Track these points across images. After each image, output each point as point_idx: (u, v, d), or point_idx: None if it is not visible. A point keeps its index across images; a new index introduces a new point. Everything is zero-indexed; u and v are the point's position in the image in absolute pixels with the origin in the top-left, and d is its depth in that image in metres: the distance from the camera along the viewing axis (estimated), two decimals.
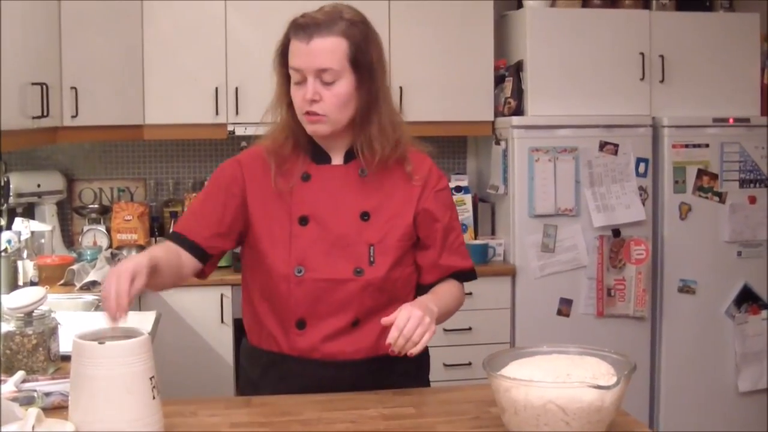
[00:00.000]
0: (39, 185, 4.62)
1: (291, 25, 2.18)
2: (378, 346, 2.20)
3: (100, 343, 1.72)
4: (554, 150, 4.57)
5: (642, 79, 4.74)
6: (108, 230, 4.66)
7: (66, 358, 2.04)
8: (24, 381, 2.11)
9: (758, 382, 4.75)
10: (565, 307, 4.60)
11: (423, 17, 4.69)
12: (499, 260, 4.70)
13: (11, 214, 4.39)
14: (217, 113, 4.55)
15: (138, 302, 3.98)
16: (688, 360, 4.70)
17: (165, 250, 2.13)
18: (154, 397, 1.75)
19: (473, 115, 4.79)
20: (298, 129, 2.23)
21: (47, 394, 2.02)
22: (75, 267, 4.03)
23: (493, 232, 4.93)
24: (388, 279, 2.22)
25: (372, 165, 2.24)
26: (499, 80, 4.82)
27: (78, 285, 3.90)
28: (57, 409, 1.97)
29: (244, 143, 2.40)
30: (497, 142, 4.74)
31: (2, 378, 2.12)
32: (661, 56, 4.75)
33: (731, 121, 4.73)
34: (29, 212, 4.60)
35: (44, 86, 3.71)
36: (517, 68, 4.72)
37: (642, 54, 4.72)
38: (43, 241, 4.35)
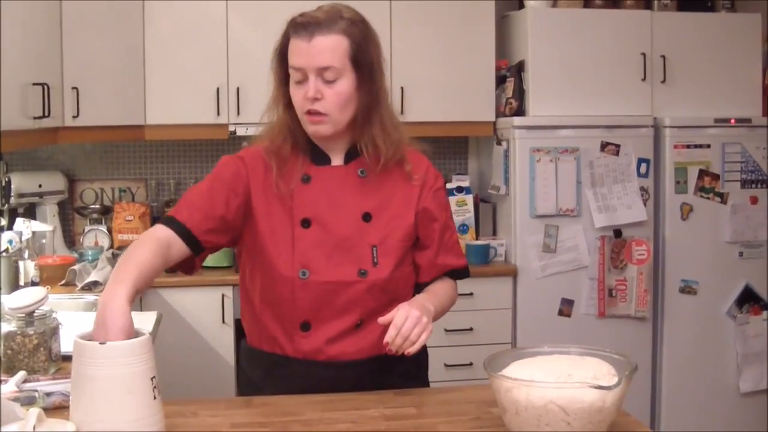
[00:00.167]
0: (40, 185, 4.63)
1: (290, 24, 2.17)
2: (380, 346, 2.20)
3: (101, 343, 1.72)
4: (555, 150, 4.57)
5: (643, 79, 4.73)
6: (109, 230, 4.67)
7: (67, 358, 2.04)
8: (25, 381, 2.11)
9: (759, 382, 4.75)
10: (566, 307, 4.60)
11: (424, 17, 4.69)
12: (500, 260, 4.70)
13: (12, 215, 4.40)
14: (218, 113, 4.56)
15: (139, 302, 3.98)
16: (689, 360, 4.70)
17: (151, 252, 2.02)
18: (155, 398, 1.75)
19: (474, 116, 4.79)
20: (297, 130, 2.22)
21: (48, 394, 2.02)
22: (76, 267, 4.03)
23: (494, 233, 4.93)
24: (391, 280, 2.22)
25: (378, 165, 2.23)
26: (500, 80, 4.82)
27: (79, 285, 3.89)
28: (58, 409, 1.97)
29: (245, 143, 2.37)
30: (498, 143, 4.74)
31: (3, 378, 2.13)
32: (663, 56, 4.74)
33: (733, 121, 4.73)
34: (30, 212, 4.61)
35: (45, 86, 3.71)
36: (519, 68, 4.72)
37: (643, 54, 4.72)
38: (44, 241, 4.35)
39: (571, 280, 4.61)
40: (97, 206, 4.83)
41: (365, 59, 2.17)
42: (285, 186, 2.21)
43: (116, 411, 1.69)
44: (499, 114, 4.79)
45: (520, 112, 4.71)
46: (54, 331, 2.39)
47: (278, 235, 2.20)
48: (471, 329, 4.52)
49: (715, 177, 4.71)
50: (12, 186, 4.40)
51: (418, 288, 2.34)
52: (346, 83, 2.15)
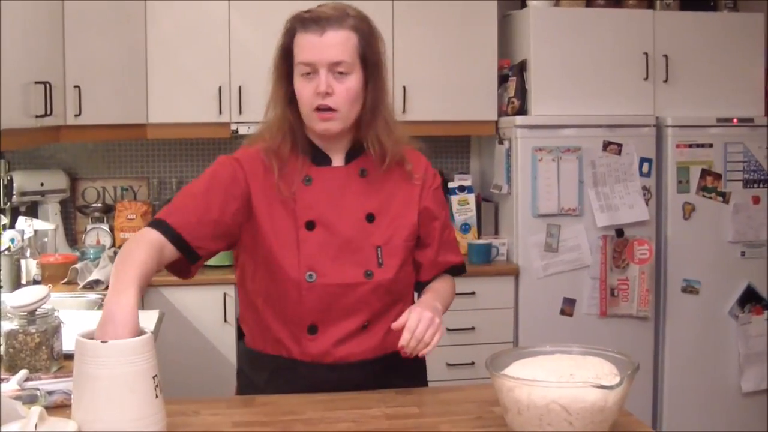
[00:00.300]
0: (42, 184, 4.63)
1: (296, 20, 2.16)
2: (384, 345, 2.21)
3: (103, 341, 1.72)
4: (558, 150, 4.56)
5: (646, 78, 4.73)
6: (111, 229, 4.67)
7: (69, 357, 2.04)
8: (27, 379, 2.10)
9: (761, 382, 4.75)
10: (568, 306, 4.60)
11: (426, 17, 4.68)
12: (502, 260, 4.69)
13: (15, 213, 4.40)
14: (220, 112, 4.56)
15: (141, 301, 3.97)
16: (691, 360, 4.70)
17: (147, 254, 1.99)
18: (156, 396, 1.75)
19: (477, 115, 4.79)
20: (298, 128, 2.21)
21: (50, 393, 2.02)
22: (78, 266, 4.03)
23: (496, 232, 4.93)
24: (395, 280, 2.22)
25: (384, 164, 2.23)
26: (502, 80, 4.82)
27: (81, 284, 3.90)
28: (60, 407, 1.97)
29: (245, 143, 2.35)
30: (501, 142, 4.74)
31: (5, 376, 2.13)
32: (665, 56, 4.74)
33: (735, 121, 4.73)
34: (32, 211, 4.61)
35: (47, 85, 3.71)
36: (521, 68, 4.72)
37: (646, 54, 4.72)
38: (46, 239, 4.35)
39: (573, 280, 4.60)
40: (99, 205, 4.83)
41: (372, 56, 2.18)
42: (286, 188, 2.19)
43: (118, 410, 1.69)
44: (502, 113, 4.79)
45: (522, 111, 4.70)
46: (56, 330, 2.39)
47: (282, 237, 2.18)
48: (473, 328, 4.52)
49: (718, 177, 4.71)
50: (14, 184, 4.40)
51: (419, 286, 2.35)
52: (355, 79, 2.15)
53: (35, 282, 3.90)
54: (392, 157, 2.23)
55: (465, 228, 4.86)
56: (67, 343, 2.32)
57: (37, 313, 2.35)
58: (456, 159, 5.30)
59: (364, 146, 2.25)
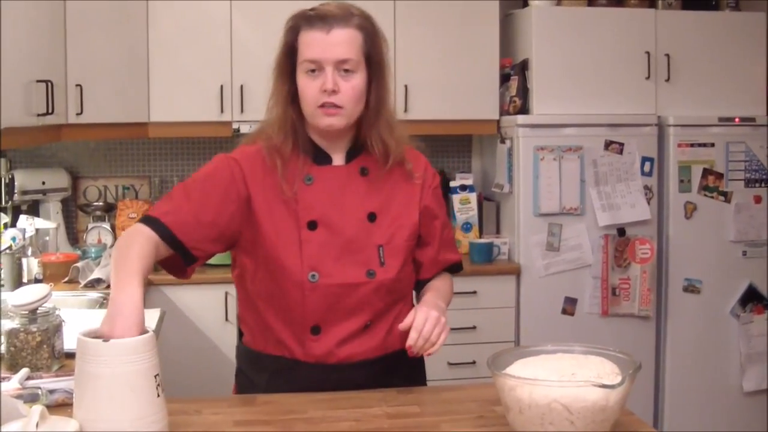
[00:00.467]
0: (44, 183, 4.63)
1: (301, 18, 2.16)
2: (385, 345, 2.21)
3: (104, 340, 1.72)
4: (559, 149, 4.56)
5: (647, 78, 4.73)
6: (113, 228, 4.67)
7: (70, 356, 2.04)
8: (28, 378, 2.10)
9: (763, 382, 4.75)
10: (569, 306, 4.60)
11: (428, 16, 4.69)
12: (503, 259, 4.69)
13: (16, 212, 4.40)
14: (222, 111, 4.56)
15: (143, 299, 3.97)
16: (692, 359, 4.70)
17: (144, 250, 1.99)
18: (158, 395, 1.75)
19: (478, 114, 4.79)
20: (300, 127, 2.20)
21: (51, 392, 2.02)
22: (79, 264, 4.03)
23: (497, 231, 4.93)
24: (397, 279, 2.22)
25: (387, 163, 2.23)
26: (504, 79, 4.81)
27: (82, 282, 3.90)
28: (61, 406, 1.97)
29: (245, 141, 2.34)
30: (502, 141, 4.74)
31: (6, 375, 2.13)
32: (667, 55, 4.74)
33: (737, 120, 4.72)
34: (34, 209, 4.61)
35: (49, 84, 3.71)
36: (523, 67, 4.72)
37: (647, 53, 4.72)
38: (47, 238, 4.35)
39: (575, 279, 4.60)
40: (101, 203, 4.83)
41: (376, 56, 2.18)
42: (288, 187, 2.18)
43: (119, 409, 1.69)
44: (503, 112, 4.79)
45: (523, 110, 4.70)
46: (57, 329, 2.39)
47: (284, 238, 2.16)
48: (474, 328, 4.52)
49: (719, 176, 4.70)
50: (15, 183, 4.41)
51: (418, 285, 2.35)
52: (360, 78, 2.15)
53: (36, 281, 3.90)
54: (395, 157, 2.23)
55: (466, 227, 4.86)
56: (69, 342, 2.32)
57: (38, 311, 2.35)
58: (457, 158, 5.30)
59: (363, 145, 2.25)
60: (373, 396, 2.12)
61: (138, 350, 1.72)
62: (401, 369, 2.23)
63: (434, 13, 4.69)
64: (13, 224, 4.21)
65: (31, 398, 1.96)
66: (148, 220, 2.10)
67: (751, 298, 4.74)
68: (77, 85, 4.26)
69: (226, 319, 4.29)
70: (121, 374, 1.69)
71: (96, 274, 3.90)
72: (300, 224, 2.17)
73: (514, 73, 4.75)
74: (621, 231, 4.60)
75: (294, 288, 2.15)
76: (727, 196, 4.71)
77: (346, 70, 2.12)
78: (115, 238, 4.62)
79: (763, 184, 4.75)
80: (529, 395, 1.73)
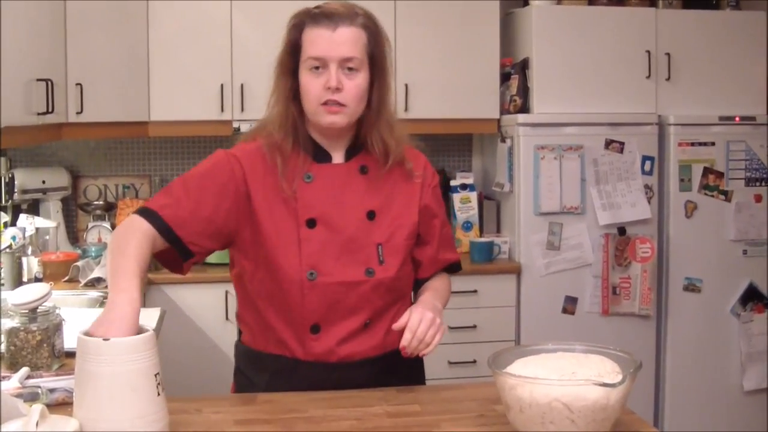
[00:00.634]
0: (44, 181, 4.63)
1: (306, 15, 2.16)
2: (385, 344, 2.20)
3: (104, 339, 1.72)
4: (560, 148, 4.56)
5: (648, 77, 4.73)
6: (113, 227, 4.66)
7: (70, 355, 2.04)
8: (28, 377, 2.10)
9: (763, 381, 4.74)
10: (570, 305, 4.60)
11: (428, 15, 4.68)
12: (504, 258, 4.69)
13: (16, 211, 4.40)
14: (222, 110, 4.55)
15: (143, 299, 3.98)
16: (693, 358, 4.70)
17: (141, 247, 1.99)
18: (158, 394, 1.74)
19: (479, 113, 4.79)
20: (301, 125, 2.20)
21: (51, 391, 2.02)
22: (80, 263, 4.03)
23: (498, 230, 4.93)
24: (396, 278, 2.22)
25: (387, 163, 2.23)
26: (504, 78, 4.81)
27: (82, 281, 3.90)
28: (61, 405, 1.97)
29: (244, 138, 2.33)
30: (503, 140, 4.74)
31: (6, 374, 2.12)
32: (668, 54, 4.74)
33: (737, 119, 4.72)
34: (34, 208, 4.61)
35: (49, 82, 3.70)
36: (523, 66, 4.72)
37: (648, 52, 4.72)
38: (47, 237, 4.35)
39: (575, 278, 4.60)
40: (101, 202, 4.83)
41: (379, 56, 2.18)
42: (288, 185, 2.17)
43: (120, 408, 1.69)
44: (504, 111, 4.79)
45: (524, 109, 4.70)
46: (57, 328, 2.39)
47: (283, 236, 2.16)
48: (474, 326, 4.52)
49: (720, 175, 4.70)
50: (15, 182, 4.40)
51: (416, 284, 2.34)
52: (363, 77, 2.15)
53: (36, 280, 3.90)
54: (395, 157, 2.23)
55: (467, 226, 4.86)
56: (69, 341, 2.32)
57: (38, 310, 2.35)
58: (458, 157, 5.30)
59: (363, 144, 2.24)
60: (374, 395, 2.12)
61: (138, 349, 1.72)
62: (401, 368, 2.23)
63: (435, 12, 4.69)
64: (13, 223, 4.21)
65: (31, 397, 1.96)
66: (145, 212, 2.09)
67: (751, 297, 4.74)
68: (77, 84, 4.25)
69: (227, 318, 4.28)
70: (121, 373, 1.69)
71: (96, 273, 3.90)
72: (299, 222, 2.16)
73: (515, 72, 4.75)
74: (621, 230, 4.60)
75: (293, 286, 2.15)
76: (727, 195, 4.71)
77: (350, 69, 2.12)
78: None
79: (763, 183, 4.74)
80: (529, 394, 1.72)
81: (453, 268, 2.42)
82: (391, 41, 2.28)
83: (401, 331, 2.07)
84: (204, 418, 1.98)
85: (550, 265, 4.58)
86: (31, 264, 3.97)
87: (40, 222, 4.32)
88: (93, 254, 4.25)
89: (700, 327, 4.70)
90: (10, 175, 4.36)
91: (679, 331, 4.69)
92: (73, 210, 4.91)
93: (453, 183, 4.91)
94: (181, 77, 4.52)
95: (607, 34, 4.70)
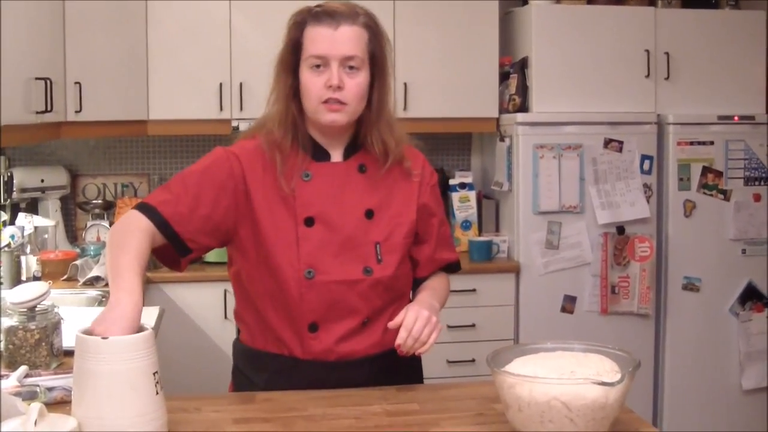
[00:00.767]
0: (42, 180, 4.62)
1: (307, 13, 2.16)
2: (383, 343, 2.20)
3: (103, 338, 1.72)
4: (559, 147, 4.56)
5: (647, 76, 4.73)
6: (111, 226, 4.65)
7: (69, 353, 2.04)
8: (27, 376, 2.10)
9: (762, 380, 4.74)
10: (569, 304, 4.60)
11: (428, 14, 4.68)
12: (503, 257, 4.69)
13: (15, 209, 4.40)
14: (221, 109, 4.55)
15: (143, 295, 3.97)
16: (692, 357, 4.70)
17: (141, 244, 1.99)
18: (157, 393, 1.74)
19: (478, 112, 4.79)
20: (300, 123, 2.20)
21: (50, 389, 2.02)
22: (78, 262, 4.03)
23: (497, 229, 4.93)
24: (395, 277, 2.22)
25: (387, 163, 2.23)
26: (503, 77, 4.81)
27: (81, 280, 3.89)
28: (60, 404, 1.96)
29: (243, 136, 2.33)
30: (502, 139, 4.74)
31: (5, 373, 2.12)
32: (667, 53, 4.74)
33: (736, 118, 4.72)
34: (33, 207, 4.61)
35: (48, 81, 3.70)
36: (522, 65, 4.72)
37: (647, 51, 4.72)
38: (46, 236, 4.35)
39: (574, 277, 4.60)
40: (100, 201, 4.83)
41: (380, 55, 2.19)
42: (287, 183, 2.17)
43: (119, 406, 1.69)
44: (503, 110, 4.79)
45: (523, 108, 4.70)
46: (56, 326, 2.39)
47: (282, 234, 2.16)
48: (473, 325, 4.52)
49: (719, 174, 4.70)
50: (14, 181, 4.40)
51: (414, 283, 2.34)
52: (364, 76, 2.15)
53: (35, 278, 3.89)
54: (395, 157, 2.23)
55: (466, 225, 4.86)
56: (67, 340, 2.31)
57: (36, 309, 2.35)
58: (457, 156, 5.30)
59: (361, 142, 2.25)
60: (373, 394, 2.12)
61: (137, 347, 1.72)
62: (399, 367, 2.23)
63: (434, 11, 4.69)
64: (12, 222, 4.21)
65: (30, 396, 1.96)
66: (144, 207, 2.09)
67: (750, 297, 4.74)
68: (76, 83, 4.25)
69: (225, 317, 4.28)
70: (120, 372, 1.69)
71: (95, 271, 3.90)
72: (297, 221, 2.16)
73: (514, 71, 4.75)
74: (620, 229, 4.60)
75: (291, 285, 2.15)
76: (726, 195, 4.71)
77: (351, 67, 2.13)
78: None
79: (762, 183, 4.75)
80: (528, 393, 1.72)
81: (452, 268, 2.42)
82: (390, 40, 2.28)
83: (397, 330, 2.06)
84: (203, 416, 1.98)
85: (548, 264, 4.58)
86: (30, 263, 3.97)
87: (38, 221, 4.32)
88: (92, 253, 4.25)
89: (699, 326, 4.70)
90: (8, 174, 4.35)
91: (678, 330, 4.69)
92: (71, 209, 4.91)
93: (452, 182, 4.90)
94: (180, 76, 4.52)
95: (606, 33, 4.70)
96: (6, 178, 4.31)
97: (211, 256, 4.13)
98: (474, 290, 4.49)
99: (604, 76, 4.70)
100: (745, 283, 4.74)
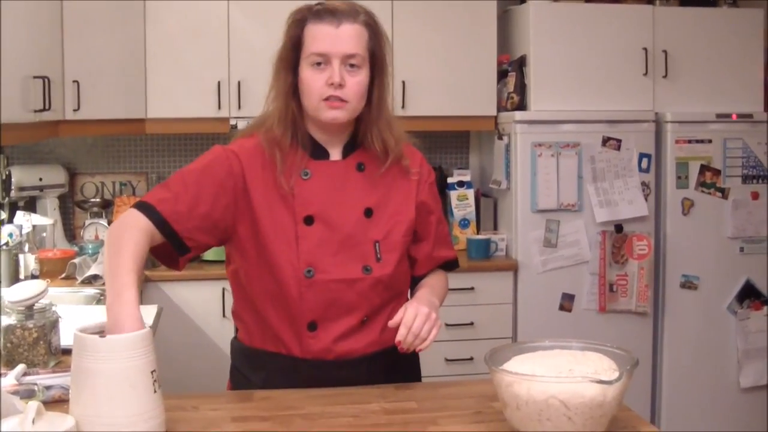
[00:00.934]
0: (41, 179, 4.62)
1: (308, 11, 2.16)
2: (381, 341, 2.20)
3: (101, 336, 1.72)
4: (557, 145, 4.56)
5: (645, 74, 4.73)
6: (110, 224, 4.65)
7: (67, 352, 2.04)
8: (25, 374, 2.10)
9: (760, 378, 4.75)
10: (567, 302, 4.60)
11: (426, 12, 4.68)
12: (501, 255, 4.69)
13: (13, 208, 4.40)
14: (219, 107, 4.55)
15: (139, 296, 3.97)
16: (690, 356, 4.70)
17: (139, 245, 1.99)
18: (155, 391, 1.74)
19: (476, 110, 4.79)
20: (300, 121, 2.20)
21: (48, 388, 2.01)
22: (76, 261, 4.03)
23: (495, 227, 4.93)
24: (394, 275, 2.22)
25: (387, 161, 2.22)
26: (502, 75, 4.81)
27: (79, 279, 3.89)
28: (57, 402, 1.96)
29: (241, 134, 2.33)
30: (500, 137, 4.74)
31: (3, 371, 2.12)
32: (665, 51, 4.74)
33: (734, 116, 4.72)
34: (31, 206, 4.61)
35: (46, 80, 3.70)
36: (520, 63, 4.71)
37: (645, 49, 4.72)
38: (44, 234, 4.35)
39: (572, 275, 4.60)
40: (98, 200, 4.83)
41: (379, 53, 2.19)
42: (286, 181, 2.17)
43: (116, 405, 1.69)
44: (501, 108, 4.79)
45: (521, 106, 4.70)
46: (54, 325, 2.39)
47: (281, 232, 2.15)
48: (472, 324, 4.52)
49: (717, 172, 4.70)
50: (12, 179, 4.40)
51: (413, 281, 2.34)
52: (364, 74, 2.16)
53: (33, 277, 3.90)
54: (395, 156, 2.23)
55: (464, 223, 4.86)
56: (65, 338, 2.31)
57: (35, 307, 2.35)
58: (455, 154, 5.30)
59: (359, 141, 2.25)
60: (371, 392, 2.12)
61: (135, 346, 1.72)
62: (396, 364, 2.23)
63: (432, 9, 4.69)
64: (10, 220, 4.21)
65: (28, 394, 1.96)
66: (143, 206, 2.09)
67: (748, 295, 4.74)
68: (74, 81, 4.25)
69: (224, 316, 4.28)
70: (118, 370, 1.69)
71: (93, 270, 3.90)
72: (297, 219, 2.16)
73: (512, 70, 4.75)
74: (618, 227, 4.60)
75: (290, 284, 2.14)
76: (724, 193, 4.71)
77: (352, 65, 2.13)
78: None
79: (760, 181, 4.75)
80: (526, 391, 1.72)
81: (450, 266, 2.42)
82: (389, 38, 2.28)
83: (397, 328, 2.06)
84: (201, 415, 1.98)
85: (547, 263, 4.58)
86: (28, 261, 3.97)
87: (37, 219, 4.32)
88: (90, 251, 4.25)
89: (697, 324, 4.71)
90: (7, 173, 4.35)
91: (676, 328, 4.69)
92: (70, 207, 4.91)
93: (450, 180, 4.90)
94: (179, 74, 4.52)
95: (604, 32, 4.70)
96: (4, 177, 4.31)
97: (209, 254, 4.13)
98: (472, 288, 4.49)
99: (602, 74, 4.70)
100: (743, 281, 4.74)
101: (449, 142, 5.26)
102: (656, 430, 1.89)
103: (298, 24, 2.17)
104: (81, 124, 4.34)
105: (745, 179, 4.74)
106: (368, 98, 2.20)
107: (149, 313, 3.16)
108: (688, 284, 4.69)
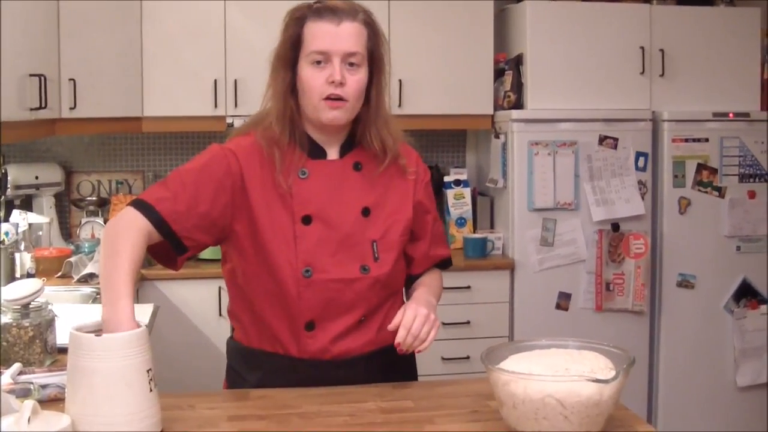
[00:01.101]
0: (37, 177, 4.62)
1: (308, 9, 2.15)
2: (378, 340, 2.20)
3: (97, 335, 1.72)
4: (554, 144, 4.56)
5: (642, 73, 4.73)
6: (106, 222, 4.65)
7: (63, 351, 2.03)
8: (20, 373, 2.10)
9: (757, 377, 4.75)
10: (563, 301, 4.60)
11: (423, 11, 4.68)
12: (498, 254, 4.69)
13: (9, 206, 4.39)
14: (216, 105, 4.55)
15: (135, 295, 3.97)
16: (686, 355, 4.70)
17: (136, 247, 1.98)
18: (151, 390, 1.74)
19: (473, 109, 4.78)
20: (298, 120, 2.19)
21: (44, 387, 2.01)
22: (73, 259, 4.02)
23: (492, 226, 4.92)
24: (391, 274, 2.22)
25: (385, 161, 2.22)
26: (498, 74, 4.81)
27: (75, 277, 3.89)
28: (53, 401, 1.96)
29: (237, 132, 2.32)
30: (497, 136, 4.74)
31: None
32: (662, 50, 4.74)
33: (731, 115, 4.72)
34: (27, 204, 4.60)
35: (42, 78, 3.69)
36: (517, 62, 4.71)
37: (642, 48, 4.71)
38: (40, 233, 4.34)
39: (569, 274, 4.60)
40: (94, 198, 4.83)
41: (378, 53, 2.19)
42: (285, 180, 2.16)
43: (112, 403, 1.69)
44: (498, 107, 4.79)
45: (518, 105, 4.70)
46: (50, 323, 2.39)
47: (279, 232, 2.15)
48: (468, 323, 4.52)
49: (713, 171, 4.70)
50: (9, 178, 4.39)
51: (409, 280, 2.34)
52: (364, 73, 2.16)
53: (29, 275, 3.89)
54: (393, 155, 2.23)
55: (460, 222, 4.85)
56: (61, 337, 2.30)
57: (30, 306, 2.35)
58: (452, 153, 5.30)
59: (357, 140, 2.24)
60: (368, 391, 2.11)
61: (131, 345, 1.72)
62: (392, 364, 2.23)
63: (429, 8, 4.69)
64: (6, 219, 4.20)
65: (24, 393, 1.95)
66: (141, 204, 2.08)
67: (745, 294, 4.74)
68: (71, 80, 4.25)
69: (220, 314, 4.28)
70: (114, 369, 1.69)
71: (89, 269, 3.90)
72: (295, 219, 2.16)
73: (509, 68, 4.75)
74: (615, 226, 4.60)
75: (288, 283, 2.14)
76: (721, 192, 4.71)
77: (352, 64, 2.12)
78: None
79: (757, 180, 4.75)
80: (523, 390, 1.72)
81: (444, 264, 2.43)
82: (386, 37, 2.27)
83: (396, 329, 2.06)
84: (197, 414, 1.97)
85: (543, 261, 4.58)
86: (24, 260, 3.97)
87: (33, 218, 4.31)
88: (86, 250, 4.25)
89: (694, 323, 4.71)
90: (3, 171, 4.34)
91: (673, 327, 4.70)
92: (66, 206, 4.90)
93: (447, 179, 4.90)
94: (175, 73, 4.52)
95: (601, 30, 4.70)
96: (0, 175, 4.30)
97: (205, 253, 4.08)
98: (469, 287, 4.49)
99: (599, 72, 4.70)
100: (740, 280, 4.74)
101: (446, 141, 5.26)
102: (653, 429, 1.89)
103: (297, 22, 2.16)
104: (77, 122, 4.33)
105: (742, 178, 4.74)
106: (366, 97, 2.19)
107: (145, 311, 3.16)
108: (684, 283, 4.70)
